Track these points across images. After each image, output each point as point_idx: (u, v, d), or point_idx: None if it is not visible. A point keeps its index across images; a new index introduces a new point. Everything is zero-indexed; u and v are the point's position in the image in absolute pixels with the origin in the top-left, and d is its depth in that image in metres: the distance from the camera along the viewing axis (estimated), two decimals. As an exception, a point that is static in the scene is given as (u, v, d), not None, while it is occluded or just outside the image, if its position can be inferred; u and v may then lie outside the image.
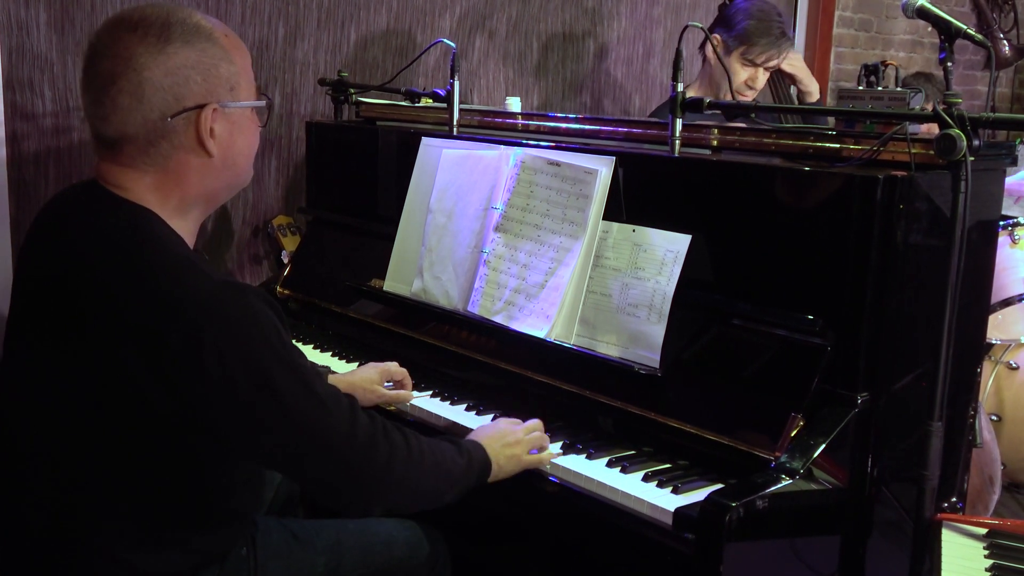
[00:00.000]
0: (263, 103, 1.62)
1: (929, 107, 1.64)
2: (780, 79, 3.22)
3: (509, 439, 1.76)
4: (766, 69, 3.05)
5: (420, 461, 1.59)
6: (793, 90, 3.27)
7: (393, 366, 2.09)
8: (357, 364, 2.26)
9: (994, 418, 3.12)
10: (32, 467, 1.50)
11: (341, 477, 1.51)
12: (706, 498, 1.55)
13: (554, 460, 1.79)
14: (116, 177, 1.51)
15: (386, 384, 2.07)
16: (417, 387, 2.11)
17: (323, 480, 1.52)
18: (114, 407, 1.41)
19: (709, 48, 3.02)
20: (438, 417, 1.99)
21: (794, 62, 3.19)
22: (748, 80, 3.03)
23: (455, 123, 2.41)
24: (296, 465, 1.51)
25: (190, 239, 1.56)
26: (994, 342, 3.10)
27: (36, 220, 1.63)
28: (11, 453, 1.54)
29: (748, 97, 3.07)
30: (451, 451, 1.67)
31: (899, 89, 1.81)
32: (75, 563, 1.48)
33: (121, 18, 1.49)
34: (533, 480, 1.79)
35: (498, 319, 2.06)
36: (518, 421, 1.83)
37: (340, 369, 2.24)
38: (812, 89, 3.23)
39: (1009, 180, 3.32)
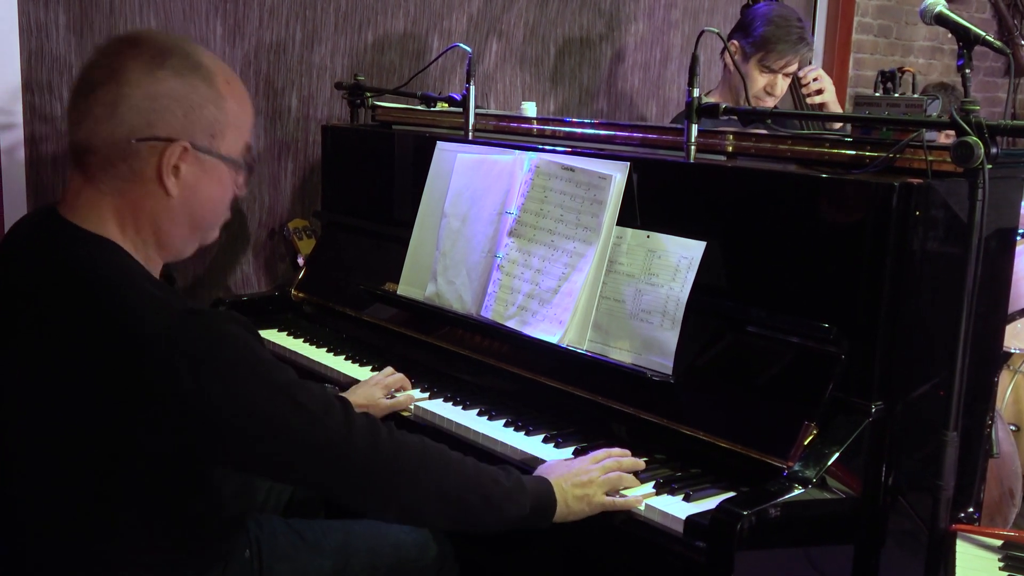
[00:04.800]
0: (242, 162, 1.52)
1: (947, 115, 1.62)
2: (800, 87, 3.19)
3: (582, 478, 1.66)
4: (785, 75, 3.03)
5: (441, 467, 1.53)
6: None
7: (390, 380, 2.08)
8: (370, 368, 2.26)
9: (1013, 428, 3.09)
10: (20, 503, 1.46)
11: (346, 482, 1.48)
12: (718, 506, 1.53)
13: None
14: (77, 198, 1.45)
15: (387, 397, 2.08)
16: (430, 391, 2.12)
17: (330, 487, 1.50)
18: (99, 448, 1.37)
19: (727, 54, 3.00)
20: (449, 422, 1.98)
21: (825, 93, 3.14)
22: (767, 87, 3.01)
23: (470, 127, 2.41)
24: (299, 478, 1.50)
25: (154, 273, 1.49)
26: (1013, 351, 3.07)
27: None
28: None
29: (768, 104, 3.04)
30: (492, 471, 1.59)
31: (916, 96, 1.79)
32: None
33: (129, 35, 1.48)
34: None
35: (511, 324, 2.06)
36: (602, 456, 1.72)
37: (354, 372, 2.25)
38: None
39: None
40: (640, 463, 1.72)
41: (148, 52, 1.42)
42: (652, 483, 1.69)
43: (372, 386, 2.07)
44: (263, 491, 1.99)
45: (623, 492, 1.68)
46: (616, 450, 1.75)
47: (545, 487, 1.63)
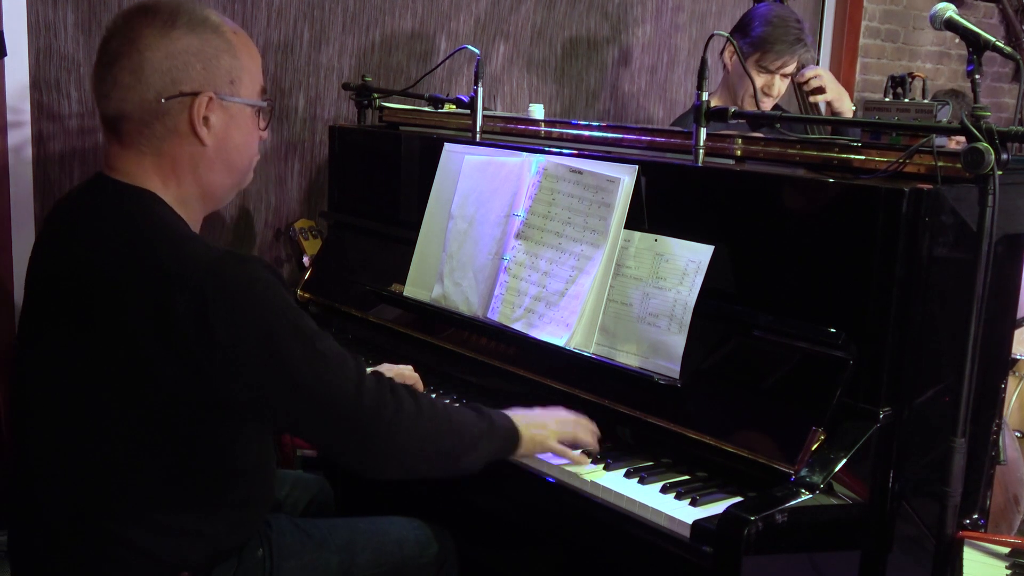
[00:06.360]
0: (263, 103, 1.63)
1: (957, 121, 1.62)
2: (804, 91, 3.18)
3: (536, 421, 1.78)
4: (782, 76, 3.01)
5: (432, 419, 1.60)
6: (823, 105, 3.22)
7: (407, 370, 2.09)
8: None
9: (1018, 435, 3.08)
10: (47, 455, 1.52)
11: (349, 437, 1.53)
12: (725, 511, 1.53)
13: (570, 469, 1.77)
14: (118, 161, 1.54)
15: None
16: (436, 393, 2.11)
17: (333, 441, 1.54)
18: (128, 388, 1.43)
19: (727, 54, 2.99)
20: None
21: (828, 91, 3.12)
22: (764, 87, 2.99)
23: (478, 129, 2.41)
24: (305, 427, 1.53)
25: (195, 227, 1.58)
26: (1019, 358, 3.06)
27: (47, 219, 1.66)
28: (26, 442, 1.56)
29: (766, 105, 3.03)
30: (469, 414, 1.69)
31: (926, 101, 1.79)
32: (91, 551, 1.49)
33: (138, 5, 1.55)
34: (550, 488, 1.78)
35: (518, 326, 2.05)
36: (567, 414, 1.83)
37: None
38: (845, 108, 3.19)
39: None
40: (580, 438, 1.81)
41: (159, 16, 1.51)
42: (658, 486, 1.69)
43: (387, 368, 2.07)
44: (282, 492, 2.00)
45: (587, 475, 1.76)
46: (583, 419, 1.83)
47: (508, 423, 1.74)
